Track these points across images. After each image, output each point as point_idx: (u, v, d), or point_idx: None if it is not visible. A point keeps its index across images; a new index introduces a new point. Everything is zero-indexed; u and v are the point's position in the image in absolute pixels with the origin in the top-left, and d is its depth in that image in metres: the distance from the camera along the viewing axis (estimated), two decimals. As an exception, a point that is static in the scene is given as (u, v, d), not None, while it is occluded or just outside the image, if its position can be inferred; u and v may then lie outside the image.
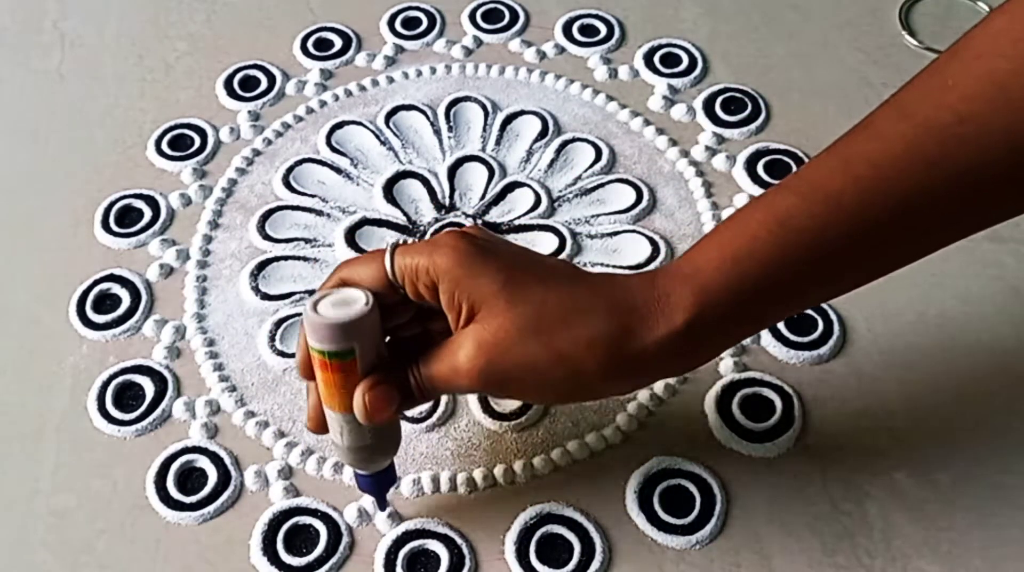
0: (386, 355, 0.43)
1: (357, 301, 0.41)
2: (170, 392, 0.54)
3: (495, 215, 0.61)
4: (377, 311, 0.41)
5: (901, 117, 0.40)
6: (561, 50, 0.71)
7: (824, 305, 0.56)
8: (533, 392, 0.43)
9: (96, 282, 0.58)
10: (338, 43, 0.71)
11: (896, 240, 0.41)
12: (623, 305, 0.41)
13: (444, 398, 0.53)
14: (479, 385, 0.41)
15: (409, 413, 0.53)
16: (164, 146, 0.65)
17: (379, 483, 0.46)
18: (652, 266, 0.58)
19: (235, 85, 0.69)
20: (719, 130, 0.65)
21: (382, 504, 0.48)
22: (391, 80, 0.69)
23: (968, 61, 0.39)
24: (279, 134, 0.66)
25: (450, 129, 0.66)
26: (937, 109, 0.39)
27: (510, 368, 0.40)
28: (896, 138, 0.40)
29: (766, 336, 0.55)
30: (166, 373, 0.55)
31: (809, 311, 0.56)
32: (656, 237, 0.60)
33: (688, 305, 0.40)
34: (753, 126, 0.65)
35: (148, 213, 0.62)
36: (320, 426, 0.45)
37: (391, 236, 0.60)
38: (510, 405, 0.53)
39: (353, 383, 0.42)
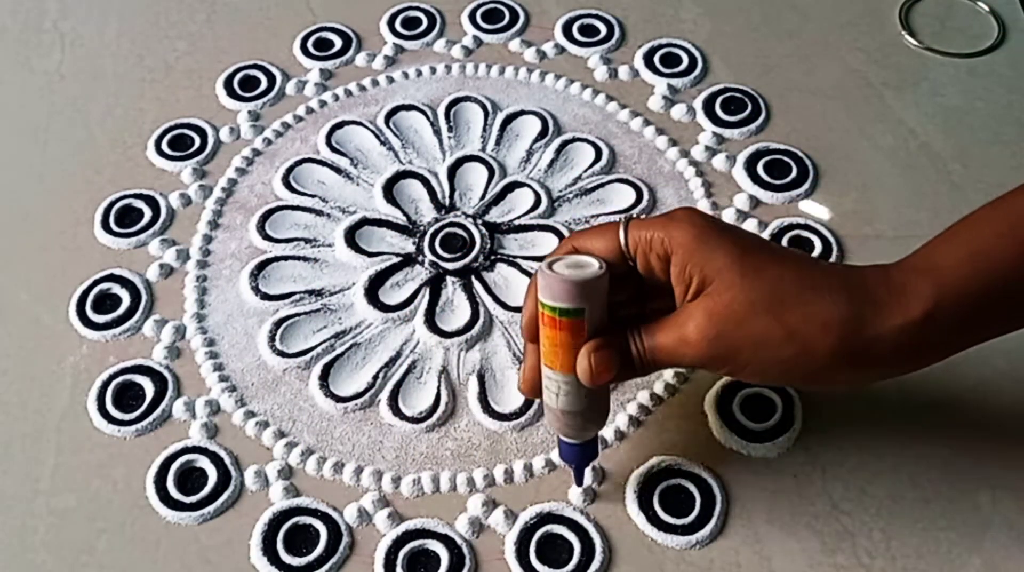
0: (608, 324, 0.44)
1: (591, 265, 0.43)
2: (170, 392, 0.54)
3: (495, 215, 0.61)
4: (608, 277, 0.43)
5: None
6: (561, 50, 0.71)
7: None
8: (758, 369, 0.42)
9: (96, 282, 0.58)
10: (338, 43, 0.71)
11: None
12: (859, 290, 0.41)
13: (444, 398, 0.53)
14: (706, 357, 0.41)
15: (409, 413, 0.53)
16: (164, 146, 0.65)
17: (582, 454, 0.47)
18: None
19: (235, 85, 0.69)
20: (719, 130, 0.65)
21: (579, 479, 0.49)
22: (391, 80, 0.69)
23: None
24: (279, 134, 0.66)
25: (450, 129, 0.66)
26: None
27: (740, 341, 0.41)
28: None
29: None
30: (166, 373, 0.55)
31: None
32: (656, 237, 0.60)
33: (926, 297, 0.40)
34: (753, 126, 0.65)
35: (148, 213, 0.62)
36: (534, 389, 0.46)
37: (391, 236, 0.60)
38: (510, 405, 0.53)
39: (578, 344, 0.43)
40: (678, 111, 0.67)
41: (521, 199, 0.62)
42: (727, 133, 0.65)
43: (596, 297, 0.43)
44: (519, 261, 0.59)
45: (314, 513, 0.50)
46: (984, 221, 0.42)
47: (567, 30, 0.72)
